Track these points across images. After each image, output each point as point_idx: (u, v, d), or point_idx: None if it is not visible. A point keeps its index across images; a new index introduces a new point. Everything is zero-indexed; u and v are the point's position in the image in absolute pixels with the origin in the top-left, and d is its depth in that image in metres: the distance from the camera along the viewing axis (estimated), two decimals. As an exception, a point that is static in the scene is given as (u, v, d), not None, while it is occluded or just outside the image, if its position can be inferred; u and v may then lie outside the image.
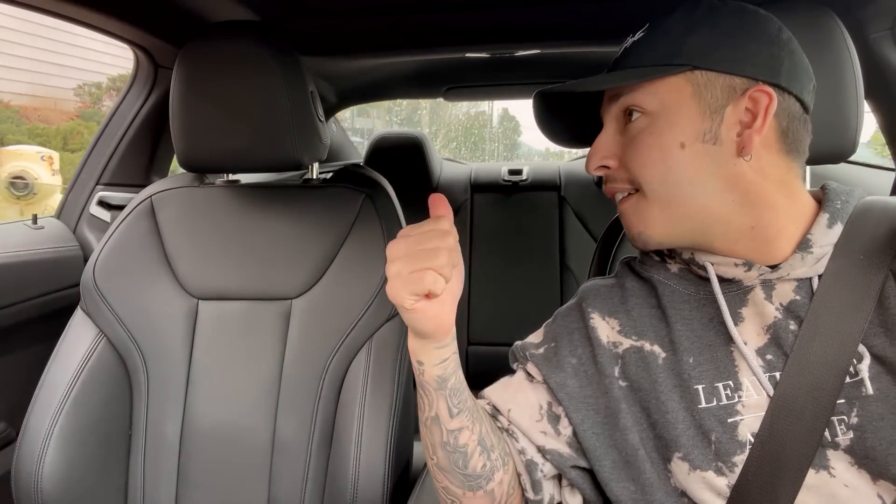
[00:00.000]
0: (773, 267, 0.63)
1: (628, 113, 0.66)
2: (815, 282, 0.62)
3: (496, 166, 2.44)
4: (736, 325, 0.64)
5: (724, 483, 0.60)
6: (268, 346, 1.08)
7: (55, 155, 3.27)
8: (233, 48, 1.01)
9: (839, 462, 0.57)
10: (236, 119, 1.01)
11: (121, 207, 1.39)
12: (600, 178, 2.62)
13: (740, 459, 0.60)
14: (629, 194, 0.67)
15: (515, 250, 2.28)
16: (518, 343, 0.79)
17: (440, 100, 2.26)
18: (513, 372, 0.79)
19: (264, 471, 1.05)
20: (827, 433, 0.58)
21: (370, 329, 1.05)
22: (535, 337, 0.78)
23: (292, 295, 1.09)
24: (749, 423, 0.60)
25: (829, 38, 0.88)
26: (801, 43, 0.89)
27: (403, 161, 2.28)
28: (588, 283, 0.79)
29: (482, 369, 2.21)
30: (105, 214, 1.43)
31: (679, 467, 0.62)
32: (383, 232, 1.09)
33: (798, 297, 0.62)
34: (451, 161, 2.60)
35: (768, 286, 0.64)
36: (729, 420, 0.61)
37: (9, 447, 1.22)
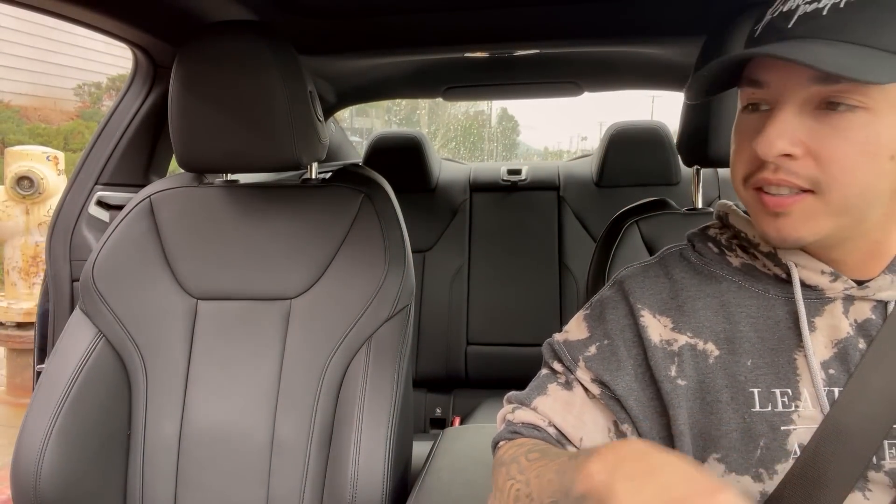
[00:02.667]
0: (859, 283, 0.61)
1: (831, 102, 0.55)
2: (892, 306, 0.61)
3: (495, 166, 2.43)
4: None
5: (758, 489, 0.59)
6: (267, 346, 1.07)
7: (61, 155, 3.28)
8: (232, 48, 1.01)
9: (877, 484, 0.56)
10: (235, 119, 1.01)
11: (119, 207, 1.38)
12: (600, 177, 2.58)
13: (783, 468, 0.58)
14: (798, 193, 0.57)
15: (514, 250, 2.28)
16: (558, 339, 0.73)
17: (439, 99, 2.26)
18: (550, 371, 0.72)
19: (263, 471, 1.04)
20: (874, 456, 0.57)
21: (369, 329, 1.05)
22: (577, 332, 0.71)
23: (291, 295, 1.09)
24: (800, 433, 0.59)
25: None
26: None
27: (402, 161, 2.27)
28: (628, 270, 0.73)
29: (482, 369, 2.21)
30: (104, 214, 1.42)
31: (713, 469, 0.61)
32: (382, 232, 1.09)
33: (873, 317, 0.61)
34: (449, 161, 2.60)
35: (848, 301, 0.62)
36: (782, 428, 0.59)
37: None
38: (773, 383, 0.61)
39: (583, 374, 0.68)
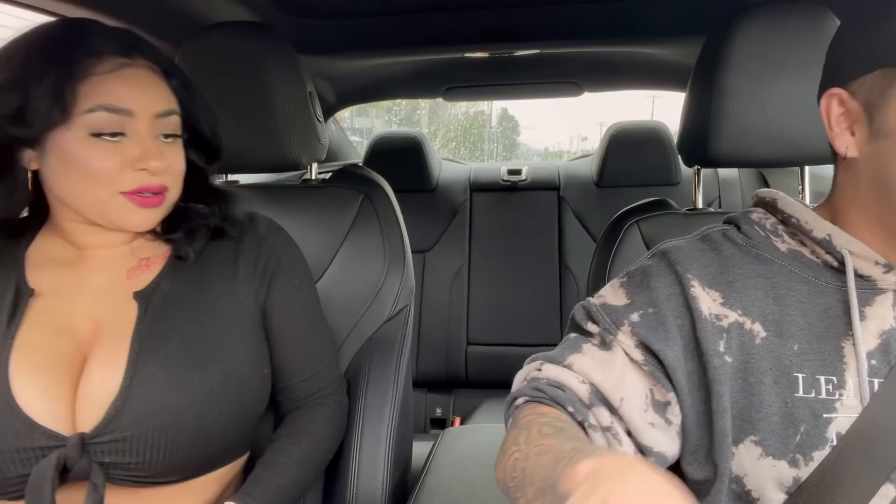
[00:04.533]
0: None
1: None
2: None
3: (495, 166, 2.44)
4: None
5: (792, 475, 0.59)
6: (267, 347, 1.07)
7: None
8: (231, 48, 1.01)
9: None
10: (235, 119, 1.01)
11: None
12: (600, 178, 2.60)
13: (819, 455, 0.59)
14: None
15: (514, 250, 2.28)
16: (594, 302, 0.70)
17: (439, 100, 2.26)
18: (582, 333, 0.70)
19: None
20: None
21: (369, 329, 1.05)
22: (615, 298, 0.69)
23: (291, 295, 1.08)
24: (840, 422, 0.59)
25: (828, 38, 0.87)
26: (800, 43, 0.89)
27: (402, 161, 2.28)
28: (671, 243, 0.71)
29: (482, 369, 2.21)
30: None
31: (749, 451, 0.61)
32: (382, 232, 1.09)
33: None
34: (450, 161, 2.60)
35: None
36: (824, 415, 0.59)
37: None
38: (818, 370, 0.60)
39: (625, 339, 0.65)
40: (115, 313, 0.76)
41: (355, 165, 1.36)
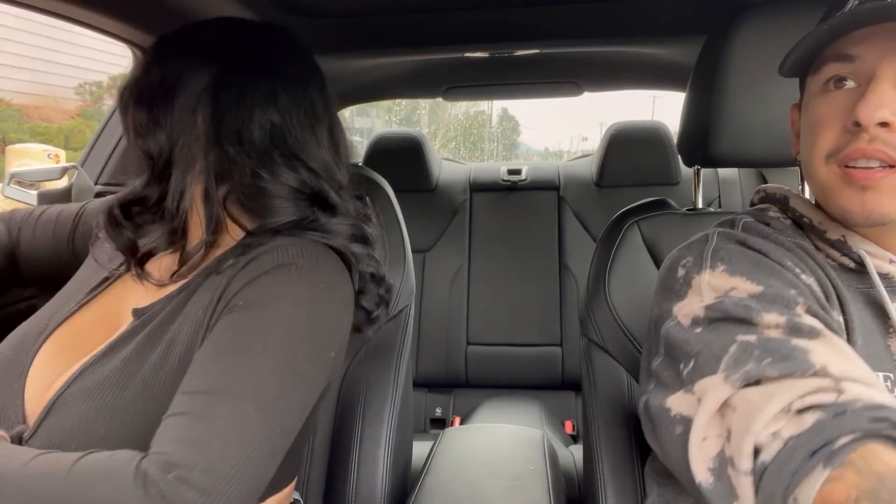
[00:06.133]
0: None
1: None
2: None
3: (495, 166, 2.43)
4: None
5: None
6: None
7: (62, 153, 3.29)
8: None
9: None
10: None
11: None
12: (600, 177, 2.59)
13: None
14: (888, 167, 0.58)
15: (514, 250, 2.28)
16: (741, 297, 0.58)
17: (439, 99, 2.26)
18: (754, 330, 0.55)
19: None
20: None
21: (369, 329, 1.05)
22: (747, 286, 0.59)
23: (291, 295, 1.08)
24: None
25: (828, 39, 0.88)
26: (800, 43, 0.89)
27: (402, 161, 2.27)
28: (732, 232, 0.67)
29: (482, 369, 2.21)
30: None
31: None
32: (382, 232, 1.09)
33: None
34: (449, 161, 2.60)
35: None
36: None
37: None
38: (876, 366, 0.59)
39: (807, 317, 0.56)
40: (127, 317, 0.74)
41: (355, 165, 1.36)
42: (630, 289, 0.97)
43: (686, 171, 2.18)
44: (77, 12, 1.10)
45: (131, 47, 1.36)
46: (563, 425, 2.02)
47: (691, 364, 0.56)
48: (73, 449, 0.60)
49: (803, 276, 0.62)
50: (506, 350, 2.21)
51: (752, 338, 0.54)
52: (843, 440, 0.44)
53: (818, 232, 0.65)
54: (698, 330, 0.58)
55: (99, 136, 1.45)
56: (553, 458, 1.15)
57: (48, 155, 3.18)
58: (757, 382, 0.50)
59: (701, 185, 1.09)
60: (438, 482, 1.04)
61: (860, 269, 0.63)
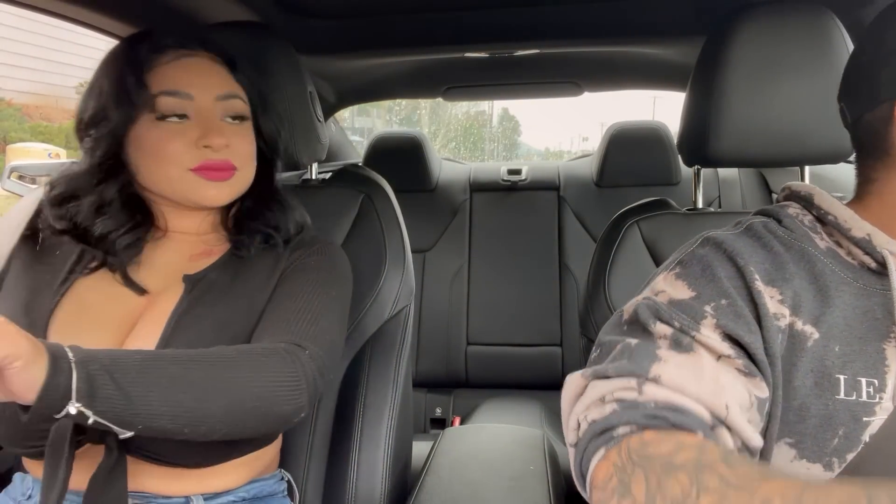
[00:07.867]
0: None
1: None
2: None
3: (495, 166, 2.44)
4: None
5: (827, 478, 0.57)
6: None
7: (62, 152, 3.29)
8: (231, 48, 1.00)
9: None
10: (235, 119, 1.00)
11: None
12: (600, 177, 2.59)
13: (851, 457, 0.57)
14: None
15: (514, 250, 2.28)
16: (658, 300, 0.62)
17: (440, 99, 2.26)
18: (646, 336, 0.60)
19: (263, 471, 1.04)
20: None
21: (369, 329, 1.05)
22: (677, 291, 0.63)
23: (291, 295, 1.08)
24: (876, 425, 0.58)
25: (828, 38, 0.88)
26: (800, 43, 0.89)
27: (402, 161, 2.28)
28: (720, 233, 0.67)
29: (482, 369, 2.21)
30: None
31: (782, 452, 0.59)
32: (382, 232, 1.09)
33: None
34: (450, 161, 2.60)
35: None
36: (864, 419, 0.58)
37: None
38: (859, 372, 0.59)
39: (709, 333, 0.58)
40: (167, 291, 0.81)
41: (355, 165, 1.36)
42: (630, 288, 0.97)
43: (686, 171, 2.18)
44: (77, 13, 1.10)
45: (131, 47, 1.36)
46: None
47: (595, 353, 0.65)
48: None
49: (769, 287, 0.62)
50: (506, 350, 2.21)
51: (633, 342, 0.60)
52: (622, 429, 0.53)
53: (843, 230, 0.64)
54: (621, 325, 0.65)
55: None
56: (553, 458, 1.15)
57: (49, 154, 3.19)
58: (605, 377, 0.58)
59: (701, 185, 1.09)
60: (438, 482, 1.04)
61: (881, 271, 0.62)
